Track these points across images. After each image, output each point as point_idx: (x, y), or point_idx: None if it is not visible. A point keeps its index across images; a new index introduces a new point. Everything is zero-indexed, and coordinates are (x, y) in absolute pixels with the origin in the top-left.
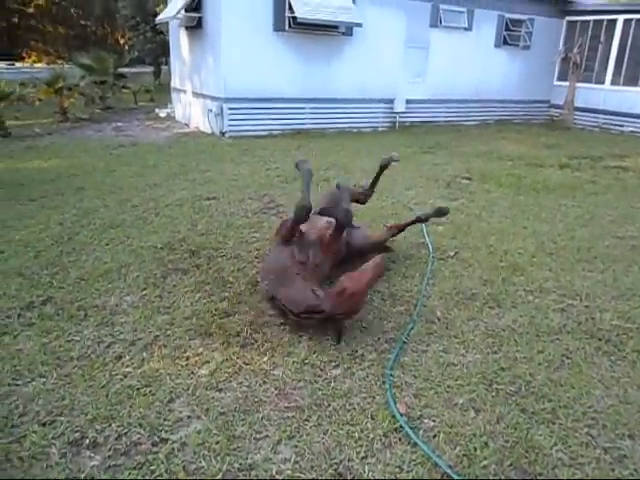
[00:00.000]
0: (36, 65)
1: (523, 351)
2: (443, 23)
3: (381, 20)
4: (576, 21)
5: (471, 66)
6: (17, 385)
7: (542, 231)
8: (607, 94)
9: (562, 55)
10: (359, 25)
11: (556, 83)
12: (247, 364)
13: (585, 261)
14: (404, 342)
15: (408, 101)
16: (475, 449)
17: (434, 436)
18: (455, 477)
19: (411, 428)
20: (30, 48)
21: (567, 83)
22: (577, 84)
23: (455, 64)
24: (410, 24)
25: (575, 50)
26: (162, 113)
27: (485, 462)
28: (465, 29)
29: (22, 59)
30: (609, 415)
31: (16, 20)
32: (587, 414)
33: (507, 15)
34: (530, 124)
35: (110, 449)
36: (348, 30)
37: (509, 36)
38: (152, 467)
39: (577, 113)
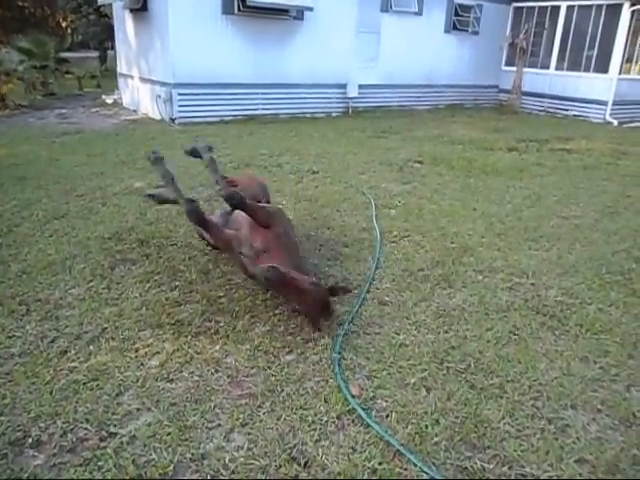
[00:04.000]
0: None
1: (473, 329)
2: (393, 7)
3: (332, 4)
4: (522, 7)
5: (422, 51)
6: None
7: (491, 212)
8: (552, 79)
9: (509, 41)
10: (310, 9)
11: (504, 68)
12: (199, 353)
13: (532, 240)
14: (350, 323)
15: (361, 86)
16: (426, 426)
17: (387, 416)
18: (407, 455)
19: (364, 409)
20: None
21: (514, 68)
22: (524, 69)
23: (406, 49)
24: (361, 8)
25: (521, 36)
26: (109, 99)
27: (436, 439)
28: (415, 14)
29: None
30: (553, 387)
31: None
32: (533, 387)
33: (456, 0)
34: (480, 108)
35: (55, 447)
36: (299, 14)
37: (458, 21)
38: (100, 463)
39: (524, 97)
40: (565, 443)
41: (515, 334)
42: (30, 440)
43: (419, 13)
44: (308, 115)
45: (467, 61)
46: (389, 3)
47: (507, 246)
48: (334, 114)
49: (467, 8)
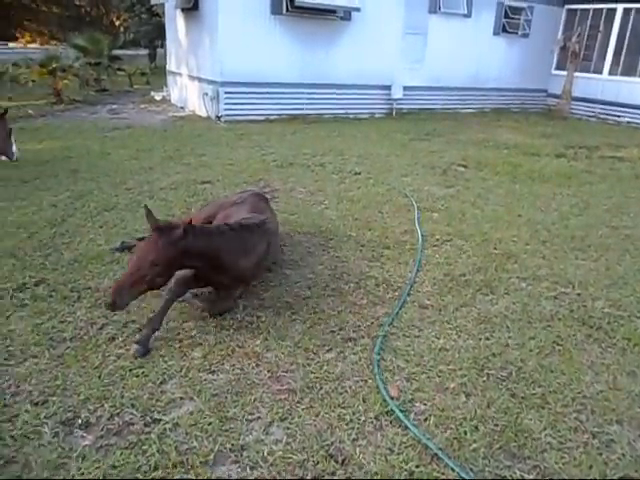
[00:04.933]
0: (29, 46)
1: (515, 337)
2: (442, 9)
3: (380, 5)
4: (576, 9)
5: (469, 53)
6: (10, 365)
7: (537, 219)
8: (605, 84)
9: (561, 44)
10: (357, 10)
11: (554, 72)
12: (240, 347)
13: (579, 250)
14: (390, 324)
15: (405, 88)
16: (465, 432)
17: (425, 419)
18: (445, 459)
19: (402, 411)
20: (24, 28)
21: (565, 72)
22: (575, 73)
23: (453, 51)
24: (409, 10)
25: (574, 39)
26: (157, 96)
27: (475, 445)
28: (464, 15)
29: (16, 39)
30: (598, 401)
31: None
32: (576, 400)
33: (507, 2)
34: (527, 113)
35: (102, 429)
36: (346, 15)
37: (508, 24)
38: (144, 447)
39: (574, 103)
40: (609, 459)
41: (559, 344)
42: (79, 421)
43: (468, 15)
44: (351, 116)
45: (515, 64)
46: (437, 4)
47: (552, 254)
48: (377, 115)
49: (518, 10)
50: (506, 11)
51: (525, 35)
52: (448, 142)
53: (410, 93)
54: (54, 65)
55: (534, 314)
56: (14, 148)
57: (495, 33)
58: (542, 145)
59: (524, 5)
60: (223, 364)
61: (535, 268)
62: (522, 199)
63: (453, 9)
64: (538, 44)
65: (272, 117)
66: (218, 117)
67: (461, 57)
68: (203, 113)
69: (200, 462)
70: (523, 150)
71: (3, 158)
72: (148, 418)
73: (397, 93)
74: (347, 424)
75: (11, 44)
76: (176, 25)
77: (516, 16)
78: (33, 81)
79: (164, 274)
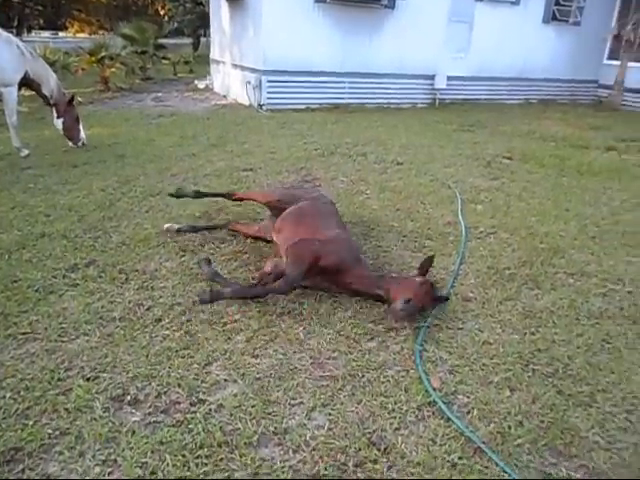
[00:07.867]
0: (78, 35)
1: (561, 334)
2: None
3: None
4: None
5: (516, 42)
6: (63, 341)
7: (585, 214)
8: None
9: (614, 32)
10: None
11: (606, 62)
12: (283, 332)
13: (630, 246)
14: (432, 316)
15: (449, 77)
16: (509, 427)
17: (468, 412)
18: (489, 453)
19: (445, 403)
20: (73, 18)
21: (618, 62)
22: (629, 63)
23: (499, 40)
24: None
25: (629, 27)
26: (201, 84)
27: (519, 440)
28: (512, 3)
29: (65, 29)
30: None
31: None
32: (626, 399)
33: None
34: (576, 104)
35: (150, 406)
36: (390, 2)
37: (559, 11)
38: (190, 426)
39: (627, 94)
40: None
41: (608, 343)
42: (128, 398)
43: (516, 2)
44: (393, 106)
45: (565, 54)
46: None
47: (602, 250)
48: (420, 105)
49: None
50: None
51: (576, 23)
52: (492, 133)
53: (454, 83)
54: (102, 54)
55: (582, 311)
56: (82, 134)
57: (544, 21)
58: (591, 138)
59: None
60: (266, 349)
61: (583, 264)
62: (570, 193)
63: None
64: (590, 32)
65: (314, 106)
66: (260, 105)
67: (508, 46)
68: (245, 101)
69: (244, 443)
70: (571, 143)
71: (70, 144)
72: (194, 398)
73: (440, 83)
74: (389, 413)
75: (61, 34)
76: (221, 14)
77: (567, 3)
78: (83, 69)
79: None
